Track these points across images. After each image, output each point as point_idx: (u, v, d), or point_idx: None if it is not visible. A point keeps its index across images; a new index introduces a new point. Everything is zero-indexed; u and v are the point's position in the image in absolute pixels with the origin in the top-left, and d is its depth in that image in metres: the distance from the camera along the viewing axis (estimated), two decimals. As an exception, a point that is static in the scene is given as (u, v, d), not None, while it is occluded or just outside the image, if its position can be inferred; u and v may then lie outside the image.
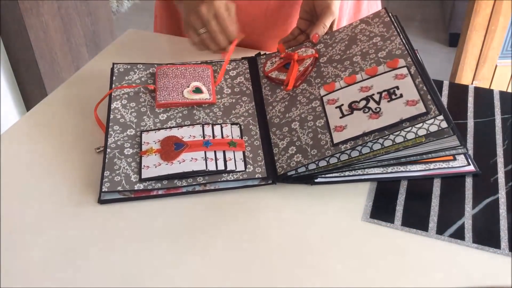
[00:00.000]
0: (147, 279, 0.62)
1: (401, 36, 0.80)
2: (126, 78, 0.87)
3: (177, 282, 0.62)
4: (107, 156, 0.75)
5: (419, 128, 0.68)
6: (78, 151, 0.79)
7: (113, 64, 0.89)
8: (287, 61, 0.87)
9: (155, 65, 0.89)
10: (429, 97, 0.69)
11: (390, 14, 0.85)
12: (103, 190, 0.71)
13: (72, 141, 0.82)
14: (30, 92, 1.87)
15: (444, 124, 0.67)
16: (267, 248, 0.65)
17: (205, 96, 0.84)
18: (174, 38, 1.10)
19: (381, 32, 0.83)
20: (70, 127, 0.84)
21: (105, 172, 0.73)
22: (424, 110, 0.68)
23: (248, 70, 0.90)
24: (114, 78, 0.87)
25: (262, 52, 0.93)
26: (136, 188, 0.71)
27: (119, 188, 0.71)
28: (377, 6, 1.10)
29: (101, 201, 0.71)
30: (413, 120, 0.68)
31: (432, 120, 0.68)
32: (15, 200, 0.72)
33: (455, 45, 2.37)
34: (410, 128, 0.68)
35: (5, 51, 1.77)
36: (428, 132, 0.68)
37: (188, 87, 0.85)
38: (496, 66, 1.96)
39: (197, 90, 0.84)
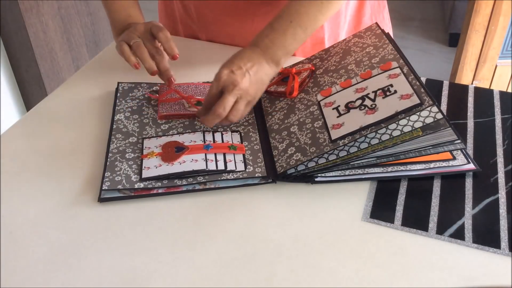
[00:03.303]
0: (148, 278, 0.62)
1: (393, 44, 0.82)
2: (130, 94, 0.89)
3: (177, 281, 0.62)
4: (108, 159, 0.76)
5: (415, 121, 0.69)
6: (78, 151, 0.80)
7: (118, 83, 0.91)
8: (285, 75, 0.88)
9: (158, 84, 0.91)
10: (422, 90, 0.71)
11: (382, 29, 0.87)
12: (103, 188, 0.71)
13: (72, 141, 0.82)
14: (30, 92, 1.87)
15: (439, 116, 0.68)
16: (267, 247, 0.65)
17: None
18: (173, 38, 1.10)
19: (373, 42, 0.86)
20: (70, 127, 0.84)
21: (106, 173, 0.73)
22: (418, 101, 0.69)
23: None
24: (118, 94, 0.89)
25: None
26: (136, 187, 0.72)
27: (120, 186, 0.71)
28: (379, 7, 1.08)
29: (101, 200, 0.71)
30: (408, 111, 0.69)
31: (428, 112, 0.69)
32: (15, 200, 0.72)
33: (455, 45, 2.37)
34: (406, 121, 0.69)
35: (5, 51, 1.77)
36: (424, 124, 0.69)
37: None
38: (496, 66, 1.96)
39: (198, 103, 0.85)
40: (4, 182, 0.75)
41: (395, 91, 0.73)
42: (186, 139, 0.79)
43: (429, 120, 0.68)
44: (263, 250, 0.65)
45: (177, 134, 0.81)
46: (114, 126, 0.82)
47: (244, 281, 0.62)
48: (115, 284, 0.61)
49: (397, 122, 0.70)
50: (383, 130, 0.70)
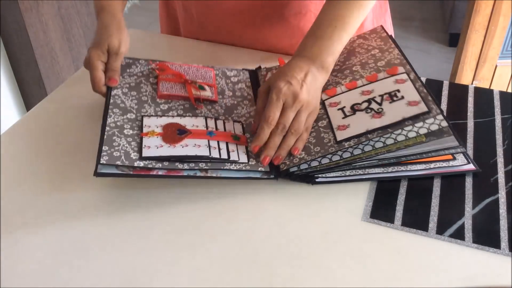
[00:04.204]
0: (148, 279, 0.62)
1: (399, 49, 0.82)
2: (128, 70, 0.86)
3: (178, 281, 0.62)
4: (105, 133, 0.72)
5: (420, 127, 0.69)
6: (78, 151, 0.79)
7: None
8: None
9: (157, 61, 0.88)
10: (429, 98, 0.71)
11: (387, 33, 0.87)
12: (101, 162, 0.68)
13: (72, 141, 0.82)
14: (30, 92, 1.87)
15: (444, 123, 0.68)
16: (267, 247, 0.65)
17: (207, 93, 0.83)
18: (174, 38, 1.10)
19: (379, 45, 0.85)
20: (70, 127, 0.84)
21: (103, 147, 0.70)
22: (426, 109, 0.70)
23: (249, 80, 0.90)
24: None
25: (262, 66, 0.93)
26: (136, 165, 0.69)
27: (118, 162, 0.69)
28: (381, 10, 1.08)
29: (98, 174, 0.67)
30: (415, 118, 0.70)
31: (433, 119, 0.69)
32: (15, 200, 0.72)
33: (455, 45, 2.37)
34: (411, 127, 0.70)
35: (5, 51, 1.77)
36: (429, 131, 0.69)
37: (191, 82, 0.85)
38: (496, 66, 1.96)
39: (200, 87, 0.84)
40: (4, 182, 0.75)
41: (402, 97, 0.73)
42: (188, 122, 0.77)
43: (434, 127, 0.69)
44: (263, 250, 0.65)
45: (177, 116, 0.79)
46: (111, 101, 0.79)
47: (245, 280, 0.62)
48: (115, 284, 0.61)
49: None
50: (388, 134, 0.70)
